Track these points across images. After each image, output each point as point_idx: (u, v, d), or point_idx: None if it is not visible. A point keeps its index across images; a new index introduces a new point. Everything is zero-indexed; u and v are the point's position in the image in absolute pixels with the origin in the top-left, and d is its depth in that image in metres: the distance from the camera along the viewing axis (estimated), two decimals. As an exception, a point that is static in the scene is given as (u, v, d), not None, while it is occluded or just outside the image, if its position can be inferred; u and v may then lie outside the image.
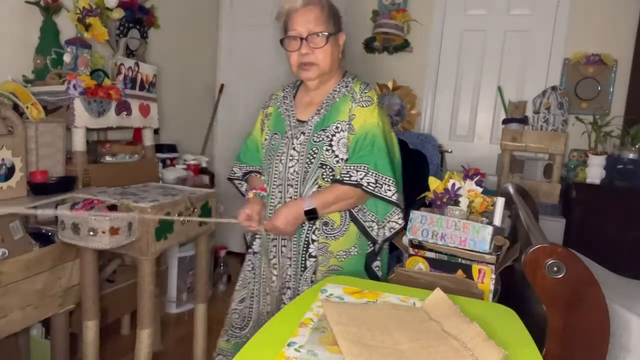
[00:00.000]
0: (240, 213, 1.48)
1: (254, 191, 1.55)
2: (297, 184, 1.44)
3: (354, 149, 1.39)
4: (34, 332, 2.02)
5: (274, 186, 1.49)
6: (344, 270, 1.44)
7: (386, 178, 1.37)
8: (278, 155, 1.48)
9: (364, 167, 1.36)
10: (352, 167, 1.37)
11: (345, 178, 1.36)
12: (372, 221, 1.44)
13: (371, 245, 1.48)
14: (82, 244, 1.64)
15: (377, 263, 1.49)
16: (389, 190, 1.37)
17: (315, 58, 1.41)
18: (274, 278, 1.51)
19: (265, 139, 1.55)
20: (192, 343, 2.11)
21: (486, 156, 3.27)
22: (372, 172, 1.36)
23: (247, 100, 3.86)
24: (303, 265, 1.46)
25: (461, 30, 3.33)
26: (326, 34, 1.39)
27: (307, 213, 1.38)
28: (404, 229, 1.44)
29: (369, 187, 1.35)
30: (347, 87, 1.46)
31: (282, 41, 1.45)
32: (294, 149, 1.45)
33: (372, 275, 1.47)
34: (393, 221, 1.45)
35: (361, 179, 1.35)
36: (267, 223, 1.42)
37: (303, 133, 1.46)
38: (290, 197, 1.45)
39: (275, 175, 1.48)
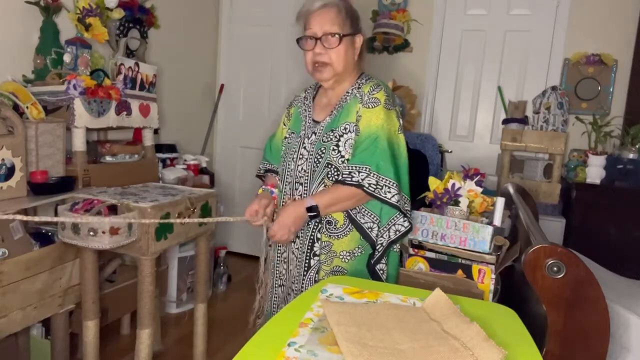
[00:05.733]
0: (248, 209, 1.51)
1: (263, 187, 1.62)
2: (306, 182, 1.48)
3: (357, 149, 1.41)
4: (34, 332, 2.02)
5: (286, 183, 1.54)
6: (349, 272, 1.44)
7: (387, 180, 1.37)
8: (292, 154, 1.53)
9: (366, 168, 1.37)
10: (354, 168, 1.38)
11: (347, 179, 1.37)
12: (373, 222, 1.43)
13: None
14: (82, 244, 1.64)
15: (381, 266, 1.45)
16: (389, 192, 1.37)
17: (328, 58, 1.44)
18: (284, 272, 1.56)
19: (285, 137, 1.61)
20: (192, 343, 2.11)
21: (486, 156, 3.27)
22: (374, 174, 1.36)
23: (247, 100, 3.86)
24: (307, 264, 1.47)
25: (461, 30, 3.33)
26: (340, 34, 1.43)
27: (309, 210, 1.39)
28: (410, 230, 1.43)
29: (370, 188, 1.35)
30: (359, 88, 1.48)
31: (298, 41, 1.49)
32: (304, 148, 1.50)
33: (376, 278, 1.45)
34: (399, 224, 1.42)
35: (362, 179, 1.36)
36: (273, 225, 1.43)
37: (314, 133, 1.50)
38: (300, 195, 1.48)
39: (288, 173, 1.53)
